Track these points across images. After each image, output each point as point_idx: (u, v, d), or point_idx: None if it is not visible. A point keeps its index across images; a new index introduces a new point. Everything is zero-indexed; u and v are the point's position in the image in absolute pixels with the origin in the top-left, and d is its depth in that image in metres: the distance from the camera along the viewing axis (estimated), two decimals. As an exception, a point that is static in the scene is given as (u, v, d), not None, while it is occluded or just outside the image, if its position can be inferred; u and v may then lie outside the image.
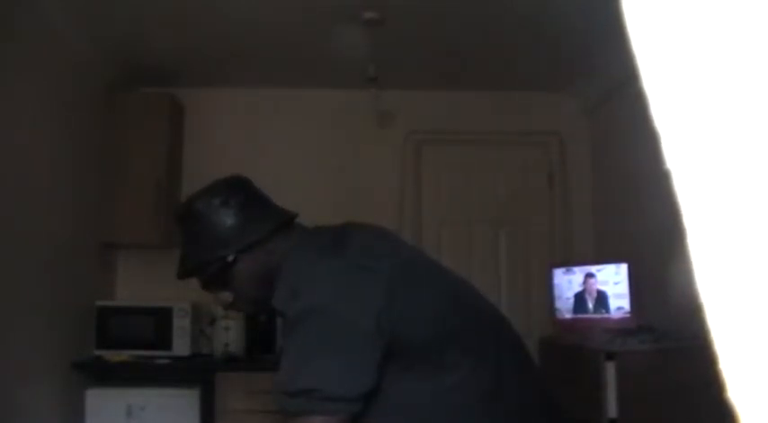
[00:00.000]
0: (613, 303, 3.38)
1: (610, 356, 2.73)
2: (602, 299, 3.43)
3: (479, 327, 1.41)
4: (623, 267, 3.36)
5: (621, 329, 3.12)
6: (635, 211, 3.59)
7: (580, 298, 3.53)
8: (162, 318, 3.59)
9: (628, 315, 3.29)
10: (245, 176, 1.55)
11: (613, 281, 3.40)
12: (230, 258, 1.42)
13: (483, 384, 1.34)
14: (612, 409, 2.68)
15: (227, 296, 1.49)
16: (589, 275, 3.51)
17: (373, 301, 1.29)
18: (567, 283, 3.59)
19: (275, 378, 1.32)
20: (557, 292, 3.62)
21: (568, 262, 3.81)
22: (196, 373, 3.60)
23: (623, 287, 3.34)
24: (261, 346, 3.75)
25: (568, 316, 3.56)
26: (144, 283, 4.00)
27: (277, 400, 1.30)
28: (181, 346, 3.57)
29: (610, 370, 2.71)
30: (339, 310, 1.29)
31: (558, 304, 3.61)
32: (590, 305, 3.48)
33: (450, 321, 1.37)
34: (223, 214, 1.44)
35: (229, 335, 3.62)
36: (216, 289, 1.49)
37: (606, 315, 3.39)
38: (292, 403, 1.26)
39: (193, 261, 1.46)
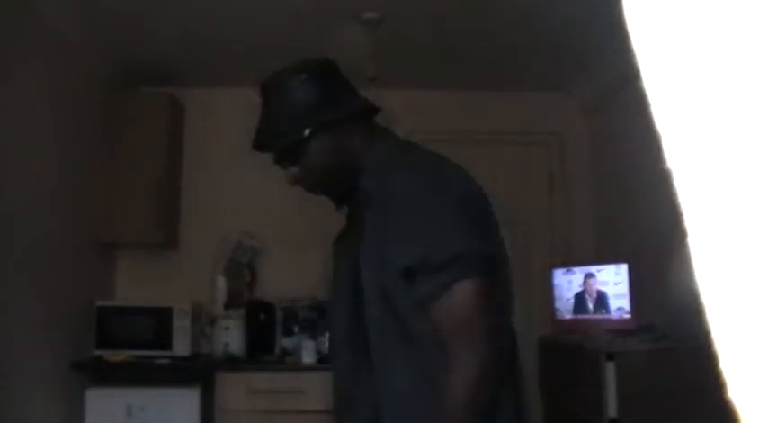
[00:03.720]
0: (613, 303, 3.38)
1: (610, 356, 2.73)
2: (602, 299, 3.43)
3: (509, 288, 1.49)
4: (623, 267, 3.36)
5: (621, 329, 3.12)
6: (635, 211, 3.58)
7: (580, 298, 3.53)
8: (162, 318, 3.59)
9: (628, 315, 3.29)
10: (334, 61, 1.55)
11: (613, 281, 3.39)
12: (306, 133, 1.42)
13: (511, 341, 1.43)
14: (612, 409, 2.67)
15: (296, 172, 1.48)
16: (589, 276, 3.50)
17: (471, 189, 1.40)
18: (567, 283, 3.59)
19: (390, 256, 1.30)
20: (557, 292, 3.62)
21: (568, 262, 3.81)
22: (196, 372, 3.60)
23: (623, 287, 3.34)
24: (261, 346, 3.75)
25: (568, 316, 3.56)
26: (144, 283, 4.00)
27: (408, 282, 1.28)
28: (181, 346, 3.57)
29: (610, 370, 2.70)
30: (446, 188, 1.35)
31: (558, 304, 3.61)
32: (590, 305, 3.48)
33: (504, 265, 1.44)
34: (307, 89, 1.44)
35: (229, 335, 3.62)
36: (287, 164, 1.48)
37: (606, 315, 3.39)
38: (444, 275, 1.27)
39: (270, 131, 1.47)
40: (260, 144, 1.50)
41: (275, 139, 1.46)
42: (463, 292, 1.27)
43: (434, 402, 1.26)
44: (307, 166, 1.45)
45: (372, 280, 1.35)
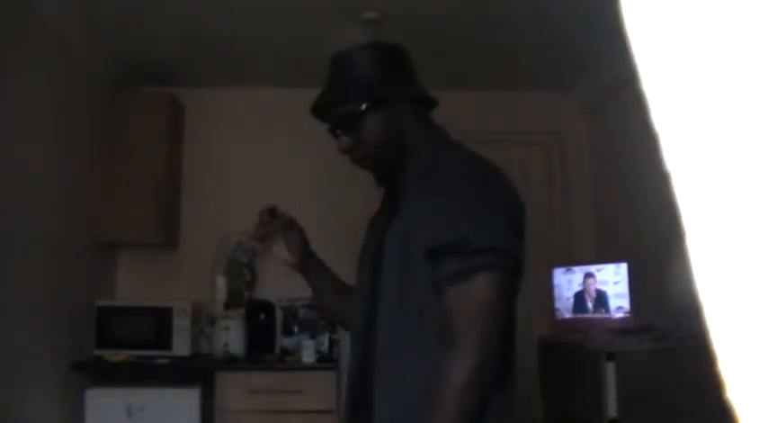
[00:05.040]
0: (613, 303, 3.38)
1: (610, 356, 2.73)
2: (601, 299, 3.43)
3: None
4: (623, 267, 3.36)
5: (621, 329, 3.12)
6: (635, 211, 3.59)
7: (580, 298, 3.53)
8: (162, 318, 3.59)
9: (628, 315, 3.29)
10: (407, 50, 1.58)
11: (613, 281, 3.39)
12: (363, 106, 1.46)
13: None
14: (612, 409, 2.67)
15: (347, 142, 1.52)
16: (588, 275, 3.50)
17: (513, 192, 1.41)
18: (567, 282, 3.59)
19: (447, 235, 1.29)
20: (556, 291, 3.62)
21: (568, 262, 3.81)
22: (196, 372, 3.60)
23: (623, 287, 3.34)
24: (261, 346, 3.75)
25: (568, 316, 3.56)
26: (144, 283, 4.01)
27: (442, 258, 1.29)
28: (181, 345, 3.57)
29: (610, 370, 2.70)
30: (494, 184, 1.37)
31: (558, 304, 3.61)
32: (590, 305, 3.48)
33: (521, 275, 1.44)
34: (374, 67, 1.49)
35: (229, 335, 3.62)
36: (341, 133, 1.52)
37: (606, 315, 3.39)
38: (473, 260, 1.27)
39: (330, 99, 1.51)
40: (318, 109, 1.54)
41: (332, 106, 1.50)
42: (487, 283, 1.27)
43: (430, 386, 1.26)
44: (358, 138, 1.49)
45: (393, 256, 1.36)
